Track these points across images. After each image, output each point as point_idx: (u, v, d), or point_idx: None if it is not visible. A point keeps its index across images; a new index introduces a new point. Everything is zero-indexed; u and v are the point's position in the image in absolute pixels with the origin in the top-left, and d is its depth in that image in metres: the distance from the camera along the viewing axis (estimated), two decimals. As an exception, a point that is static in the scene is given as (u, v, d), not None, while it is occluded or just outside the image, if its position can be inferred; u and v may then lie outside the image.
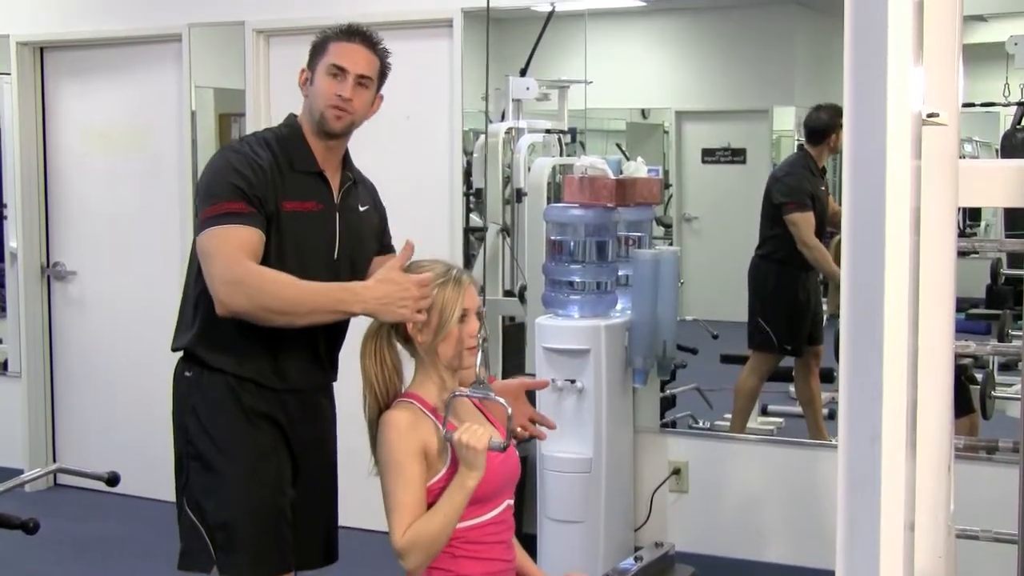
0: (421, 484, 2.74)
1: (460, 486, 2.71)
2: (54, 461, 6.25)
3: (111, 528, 5.68)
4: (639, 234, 4.99)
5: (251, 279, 2.88)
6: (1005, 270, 6.61)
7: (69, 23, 6.20)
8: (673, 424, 5.31)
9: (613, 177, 4.67)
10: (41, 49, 6.33)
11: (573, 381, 4.56)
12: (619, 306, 4.81)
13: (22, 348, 6.36)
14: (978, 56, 6.30)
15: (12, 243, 6.40)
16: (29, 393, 6.34)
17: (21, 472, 4.66)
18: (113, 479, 3.54)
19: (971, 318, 6.63)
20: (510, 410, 2.79)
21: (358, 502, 5.50)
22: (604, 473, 4.60)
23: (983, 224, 9.71)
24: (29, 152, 6.29)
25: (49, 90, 6.33)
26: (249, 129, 5.65)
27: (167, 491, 6.01)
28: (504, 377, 5.48)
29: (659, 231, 9.03)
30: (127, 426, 6.14)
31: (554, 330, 4.62)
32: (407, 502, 2.72)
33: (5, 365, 6.58)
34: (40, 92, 6.32)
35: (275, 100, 5.68)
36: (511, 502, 2.91)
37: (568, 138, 6.24)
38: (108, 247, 6.16)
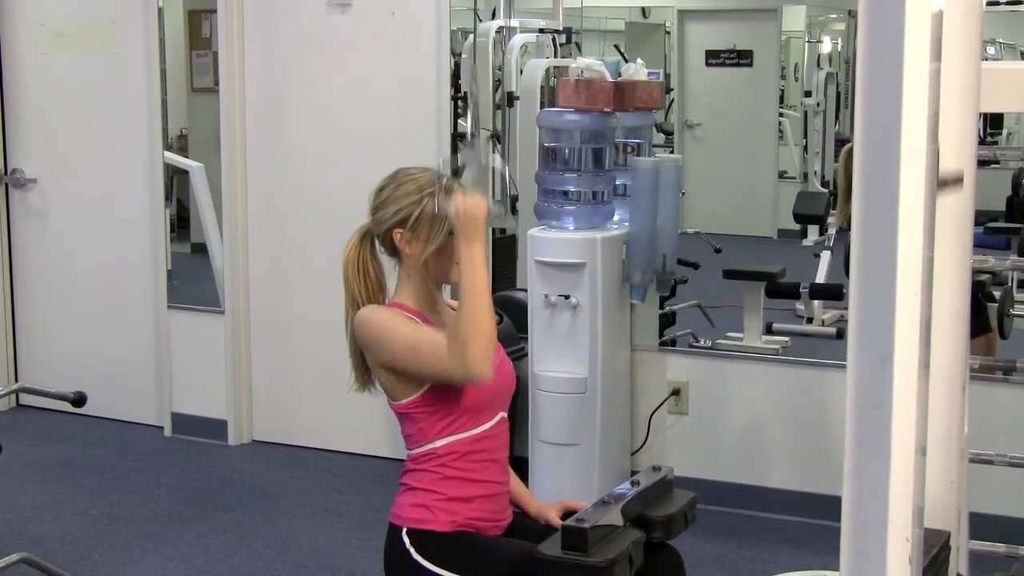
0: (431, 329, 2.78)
1: (471, 258, 2.74)
2: (16, 380, 6.26)
3: (77, 451, 5.71)
4: (638, 141, 4.98)
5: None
6: (1027, 182, 6.59)
7: (25, -90, 6.11)
8: (672, 342, 5.33)
9: (611, 80, 4.64)
10: (-5, -61, 6.25)
11: (567, 297, 4.57)
12: (616, 217, 4.81)
13: (-20, 261, 6.35)
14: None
15: (-32, 149, 6.37)
16: (-11, 309, 6.34)
17: (-19, 392, 4.67)
18: (79, 399, 3.55)
19: (990, 232, 6.65)
20: (506, 169, 2.81)
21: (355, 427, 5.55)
22: (599, 394, 4.62)
23: (1005, 132, 9.71)
24: (-16, 51, 6.23)
25: (5, -17, 6.25)
26: (220, 28, 5.60)
27: (134, 412, 6.10)
28: (494, 291, 5.50)
29: (659, 138, 9.02)
30: (93, 344, 6.15)
31: (547, 243, 4.62)
32: (426, 331, 2.77)
33: (-38, 279, 6.58)
34: (-5, -14, 6.25)
35: (248, -4, 5.63)
36: (505, 415, 2.94)
37: (563, 38, 6.20)
38: (70, 153, 6.12)
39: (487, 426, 2.87)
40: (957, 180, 1.87)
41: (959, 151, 1.88)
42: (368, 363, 2.89)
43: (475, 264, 2.74)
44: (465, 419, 2.80)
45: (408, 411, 2.83)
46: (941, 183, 1.58)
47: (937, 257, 1.55)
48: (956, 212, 1.93)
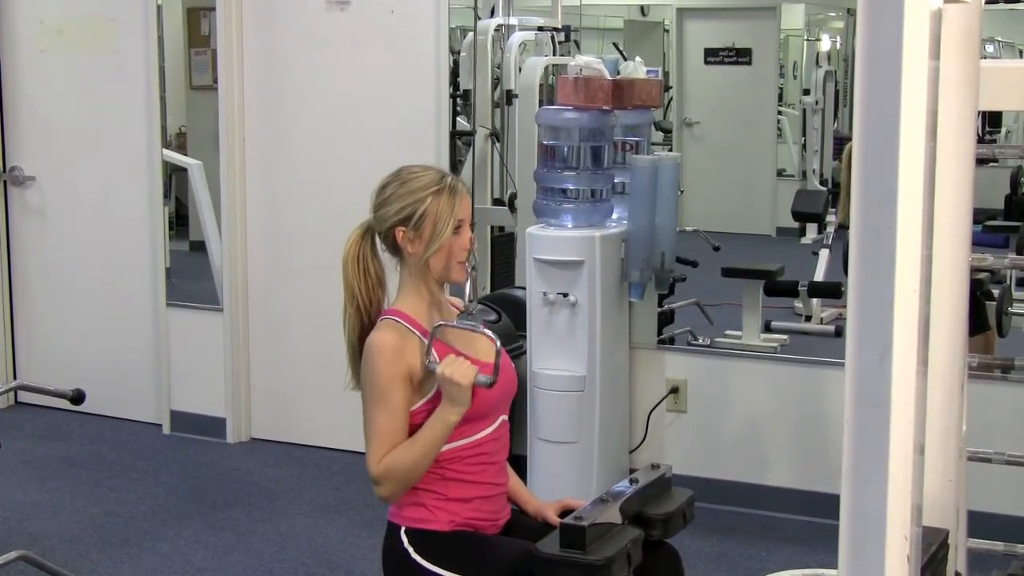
0: (404, 411, 2.76)
1: (442, 420, 2.74)
2: (15, 378, 6.26)
3: (76, 448, 5.71)
4: (637, 139, 4.97)
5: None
6: (1026, 179, 6.60)
7: (24, -92, 6.11)
8: (671, 340, 5.33)
9: (610, 78, 4.63)
10: (-6, -64, 6.25)
11: (566, 295, 4.57)
12: (615, 216, 4.80)
13: (-21, 258, 6.35)
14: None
15: (-34, 146, 6.36)
16: (-13, 306, 6.34)
17: (-20, 389, 4.67)
18: (78, 397, 3.54)
19: (988, 230, 6.66)
20: (498, 344, 2.80)
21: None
22: (598, 392, 4.62)
23: (1004, 130, 9.72)
24: (-17, 48, 6.23)
25: (3, -19, 6.25)
26: (219, 25, 5.59)
27: (133, 409, 6.10)
28: (492, 289, 5.50)
29: (658, 136, 9.03)
30: (92, 341, 6.15)
31: (546, 241, 4.61)
32: (387, 430, 2.75)
33: (-39, 276, 6.57)
34: (-6, -17, 6.24)
35: (247, -7, 5.63)
36: (506, 418, 2.93)
37: (562, 36, 6.20)
38: (69, 151, 6.12)
39: (488, 431, 2.86)
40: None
41: None
42: None
43: (443, 430, 2.74)
44: (467, 426, 2.79)
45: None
46: None
47: (936, 255, 1.55)
48: (962, 51, 1.92)
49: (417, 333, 2.80)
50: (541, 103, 5.61)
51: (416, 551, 2.79)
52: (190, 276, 6.27)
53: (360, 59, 5.44)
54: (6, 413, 6.24)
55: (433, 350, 2.76)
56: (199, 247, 6.16)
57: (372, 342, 2.79)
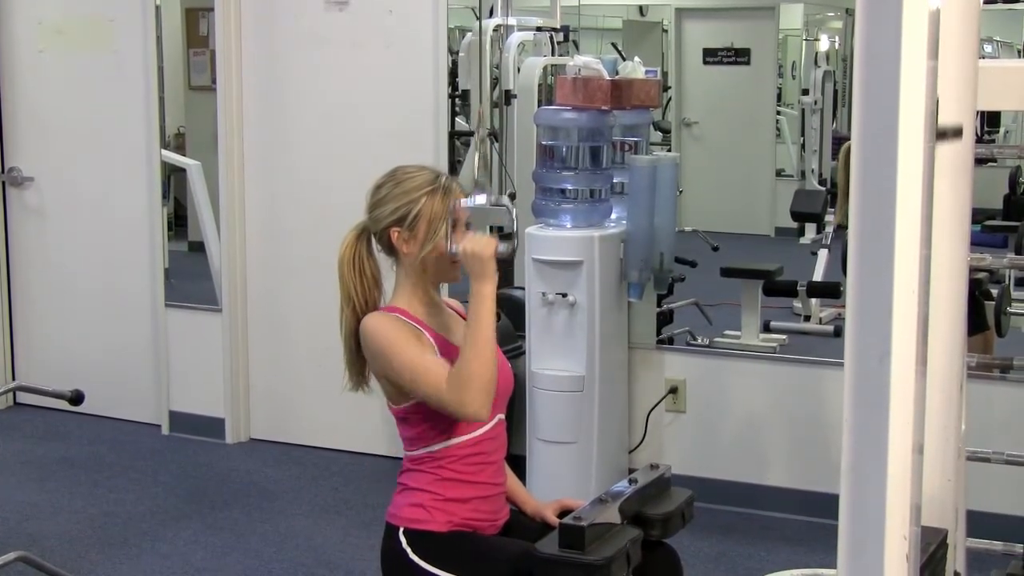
0: (432, 347, 2.76)
1: (478, 296, 2.73)
2: (13, 379, 6.26)
3: (74, 449, 5.71)
4: (636, 139, 4.97)
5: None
6: (1024, 179, 6.61)
7: (23, -92, 6.10)
8: (670, 340, 5.33)
9: (608, 78, 4.63)
10: (-7, -64, 6.24)
11: (565, 295, 4.57)
12: (614, 216, 4.80)
13: (-23, 259, 6.34)
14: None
15: (-35, 147, 6.36)
16: (-14, 307, 6.34)
17: (-21, 390, 4.67)
18: (76, 398, 3.54)
19: (987, 230, 6.67)
20: (515, 211, 2.85)
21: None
22: (597, 392, 4.62)
23: (1002, 130, 9.71)
24: (-18, 48, 6.23)
25: (2, -19, 6.24)
26: (218, 26, 5.59)
27: (132, 410, 6.09)
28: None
29: (657, 136, 9.02)
30: (90, 342, 6.14)
31: (545, 241, 4.61)
32: (429, 359, 2.74)
33: (-40, 277, 6.57)
34: (-8, -17, 6.24)
35: (246, -7, 5.62)
36: (503, 417, 2.93)
37: (560, 36, 6.20)
38: (68, 151, 6.11)
39: (485, 429, 2.86)
40: (956, 132, 1.85)
41: (958, 105, 1.87)
42: (370, 368, 2.88)
43: (484, 306, 2.72)
44: (464, 423, 2.79)
45: (407, 415, 2.82)
46: (940, 135, 1.56)
47: (934, 255, 1.55)
48: (956, 163, 1.91)
49: (415, 325, 2.81)
50: (540, 103, 5.61)
51: (414, 552, 2.79)
52: (189, 276, 6.26)
53: (359, 59, 5.44)
54: (5, 414, 6.23)
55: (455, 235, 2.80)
56: (198, 247, 6.15)
57: (369, 319, 2.81)
